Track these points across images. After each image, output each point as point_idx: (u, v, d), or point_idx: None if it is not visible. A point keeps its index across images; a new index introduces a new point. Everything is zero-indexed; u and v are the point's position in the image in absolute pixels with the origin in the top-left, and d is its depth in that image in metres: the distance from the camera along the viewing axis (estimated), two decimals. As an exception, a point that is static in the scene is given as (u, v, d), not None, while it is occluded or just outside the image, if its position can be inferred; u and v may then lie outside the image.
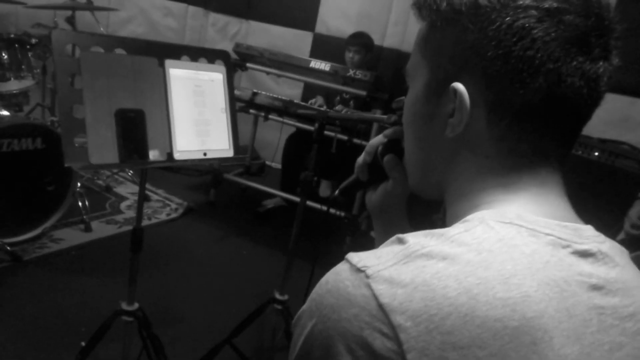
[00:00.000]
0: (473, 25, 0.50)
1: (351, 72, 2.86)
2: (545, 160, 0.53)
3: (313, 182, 1.73)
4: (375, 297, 0.43)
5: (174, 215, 3.24)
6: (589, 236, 0.51)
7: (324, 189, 3.83)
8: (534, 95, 0.49)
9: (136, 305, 1.59)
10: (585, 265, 0.48)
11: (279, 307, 1.76)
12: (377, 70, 3.85)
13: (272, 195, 3.51)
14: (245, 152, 3.88)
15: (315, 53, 4.18)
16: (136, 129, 1.31)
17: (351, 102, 3.58)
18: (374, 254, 0.47)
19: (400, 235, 0.49)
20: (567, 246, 0.48)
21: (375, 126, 2.86)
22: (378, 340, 0.42)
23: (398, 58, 3.91)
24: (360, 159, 0.81)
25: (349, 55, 3.50)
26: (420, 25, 0.59)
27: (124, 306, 1.58)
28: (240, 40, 3.99)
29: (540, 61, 0.48)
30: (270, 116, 3.38)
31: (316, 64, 2.97)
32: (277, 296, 1.77)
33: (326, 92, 3.66)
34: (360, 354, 0.42)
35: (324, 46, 4.18)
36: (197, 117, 1.43)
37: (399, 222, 0.83)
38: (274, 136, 3.80)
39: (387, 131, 0.78)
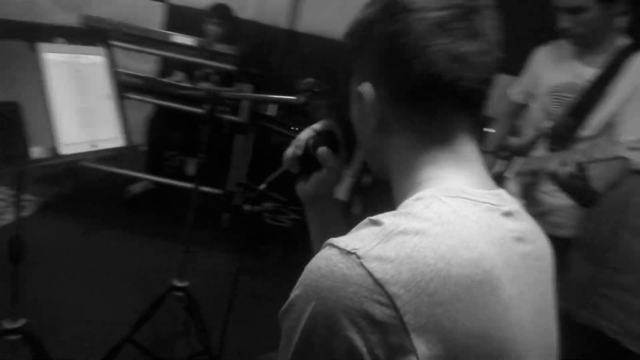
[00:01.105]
0: (366, 39, 0.64)
1: (217, 47, 2.79)
2: (460, 135, 0.63)
3: (205, 164, 1.69)
4: (370, 274, 0.49)
5: (25, 213, 2.87)
6: (507, 199, 0.64)
7: (192, 168, 3.71)
8: (417, 79, 0.59)
9: (22, 321, 1.43)
10: (510, 223, 0.61)
11: (180, 294, 1.72)
12: (237, 43, 3.79)
13: (137, 180, 3.31)
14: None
15: (170, 25, 3.94)
16: (11, 125, 1.15)
17: (215, 77, 3.49)
18: (355, 237, 0.54)
19: (372, 218, 0.56)
20: (497, 210, 0.60)
21: (246, 102, 2.85)
22: (377, 310, 0.49)
23: (257, 30, 3.88)
24: (290, 152, 0.87)
25: (209, 28, 3.38)
26: None
27: (7, 324, 1.41)
28: (80, 11, 3.56)
29: (416, 49, 0.58)
30: (129, 95, 3.14)
31: (178, 38, 2.82)
32: (177, 283, 1.72)
33: (186, 67, 3.51)
34: (363, 324, 0.49)
35: (179, 17, 3.95)
36: (81, 105, 1.31)
37: (331, 207, 0.92)
38: (129, 115, 3.54)
39: (317, 125, 0.85)
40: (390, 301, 0.49)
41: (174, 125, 3.47)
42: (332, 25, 3.66)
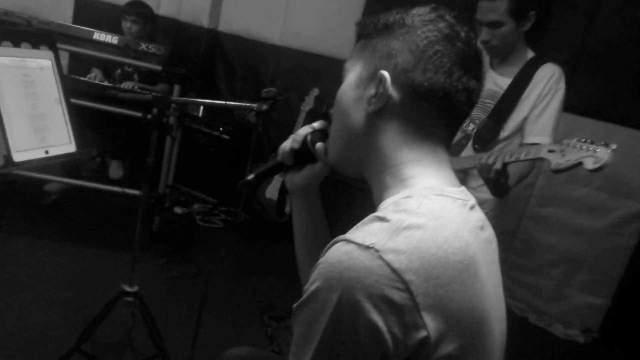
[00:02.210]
0: (399, 36, 0.73)
1: (143, 46, 2.73)
2: (441, 142, 0.76)
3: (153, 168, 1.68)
4: (388, 265, 0.58)
5: None
6: (469, 194, 0.77)
7: (115, 170, 3.57)
8: (436, 82, 0.71)
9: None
10: (475, 215, 0.75)
11: (131, 299, 1.70)
12: (156, 41, 3.69)
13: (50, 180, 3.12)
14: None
15: (78, 19, 3.73)
16: (-38, 131, 1.10)
17: (135, 76, 3.39)
18: (368, 232, 0.62)
19: (379, 215, 0.66)
20: (466, 204, 0.73)
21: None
22: (396, 294, 0.58)
23: (177, 28, 3.81)
24: (287, 147, 0.95)
25: (126, 25, 3.28)
26: (357, 42, 0.79)
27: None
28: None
29: (441, 64, 0.70)
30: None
31: (101, 35, 2.71)
32: (127, 288, 1.70)
33: (104, 65, 3.37)
34: (383, 307, 0.58)
35: (90, 12, 3.76)
36: (32, 111, 1.26)
37: (317, 196, 1.01)
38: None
39: (316, 123, 0.93)
40: (406, 286, 0.58)
41: (91, 125, 3.31)
42: (253, 26, 3.71)
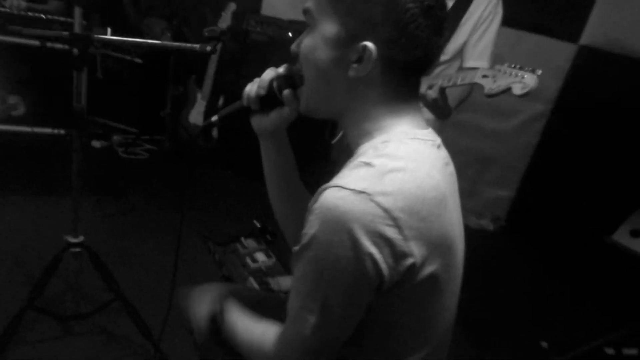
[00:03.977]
0: (381, 2, 0.74)
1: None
2: (413, 94, 0.84)
3: (85, 113, 1.57)
4: (379, 205, 0.69)
5: None
6: (435, 135, 0.87)
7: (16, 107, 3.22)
8: (414, 56, 0.77)
9: None
10: (441, 153, 0.85)
11: (78, 249, 1.65)
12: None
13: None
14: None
15: None
16: None
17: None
18: (357, 177, 0.71)
19: (364, 160, 0.74)
20: (435, 144, 0.83)
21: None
22: (388, 229, 0.69)
23: None
24: (253, 92, 0.95)
25: None
26: None
27: None
28: None
29: (421, 38, 0.75)
30: None
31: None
32: (72, 240, 1.64)
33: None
34: (379, 242, 0.69)
35: None
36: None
37: (284, 137, 1.04)
38: None
39: (281, 68, 0.93)
40: (395, 222, 0.69)
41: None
42: None
